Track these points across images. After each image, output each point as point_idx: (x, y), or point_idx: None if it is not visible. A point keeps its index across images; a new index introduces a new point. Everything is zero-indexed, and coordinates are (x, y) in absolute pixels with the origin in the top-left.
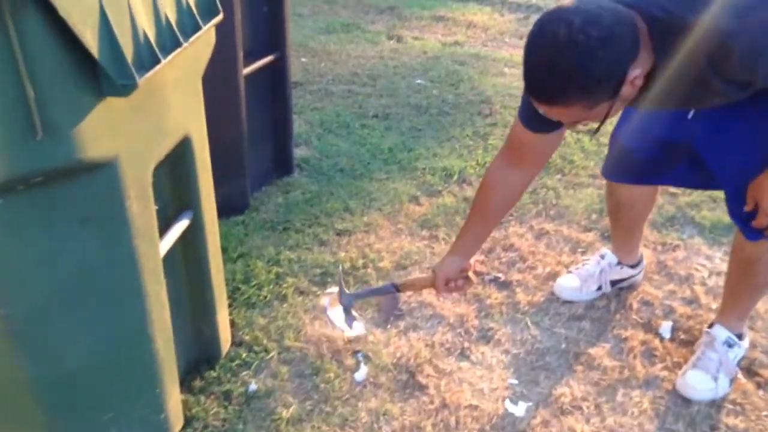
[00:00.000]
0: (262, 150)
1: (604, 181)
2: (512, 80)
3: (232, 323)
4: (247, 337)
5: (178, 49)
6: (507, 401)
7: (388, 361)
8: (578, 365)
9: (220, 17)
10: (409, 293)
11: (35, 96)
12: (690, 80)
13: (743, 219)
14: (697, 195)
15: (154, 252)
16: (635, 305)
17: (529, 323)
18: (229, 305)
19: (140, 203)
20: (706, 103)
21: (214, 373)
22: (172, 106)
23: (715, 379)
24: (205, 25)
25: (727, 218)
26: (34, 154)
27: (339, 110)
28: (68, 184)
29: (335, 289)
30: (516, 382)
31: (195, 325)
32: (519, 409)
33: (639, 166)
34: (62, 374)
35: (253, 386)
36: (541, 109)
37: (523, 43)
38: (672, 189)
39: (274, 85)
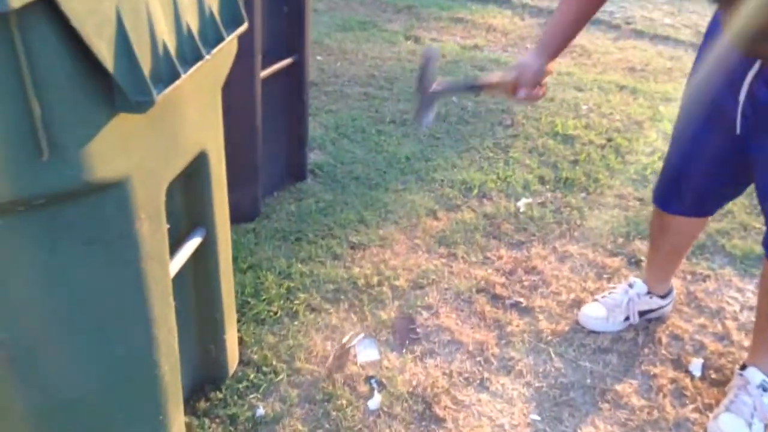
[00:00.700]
0: (275, 154)
1: (630, 202)
2: None
3: (240, 340)
4: (255, 357)
5: (200, 62)
6: None
7: (404, 390)
8: (604, 403)
9: (244, 27)
10: (487, 93)
11: (41, 113)
12: None
13: None
14: (727, 222)
15: (164, 274)
16: (664, 339)
17: (552, 354)
18: (238, 320)
19: (152, 224)
20: None
21: (220, 395)
22: (189, 120)
23: (750, 425)
24: (228, 35)
25: (758, 248)
26: (38, 175)
27: (355, 114)
28: (74, 204)
29: (359, 335)
30: (539, 418)
31: (202, 344)
32: None
33: (703, 193)
34: (61, 403)
35: (260, 411)
36: None
37: None
38: None
39: (291, 88)
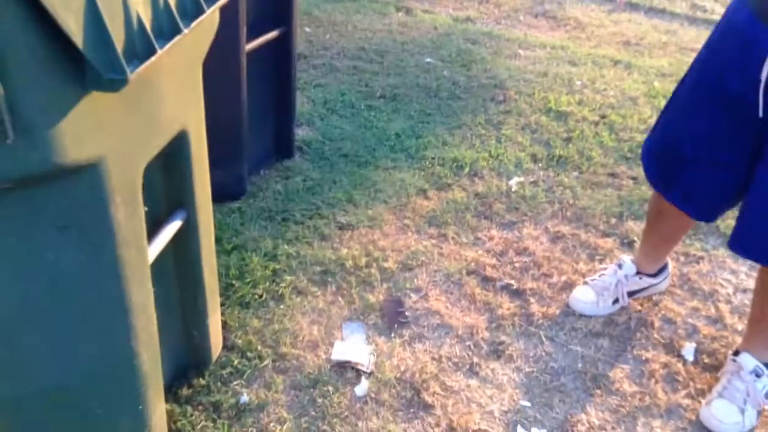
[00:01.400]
0: (261, 131)
1: (624, 181)
2: (526, 63)
3: (224, 324)
4: (239, 341)
5: (178, 37)
6: (519, 426)
7: (392, 376)
8: (596, 389)
9: None
10: None
11: (3, 93)
12: None
13: None
14: None
15: (142, 260)
16: (657, 323)
17: (543, 338)
18: (222, 304)
19: (127, 208)
20: None
21: (203, 381)
22: (168, 98)
23: (742, 411)
24: (209, 7)
25: None
26: (3, 159)
27: (344, 88)
28: (45, 188)
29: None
30: (529, 404)
31: (184, 329)
32: None
33: (711, 189)
34: (35, 393)
35: (244, 398)
36: None
37: (537, 22)
38: None
39: (278, 62)
